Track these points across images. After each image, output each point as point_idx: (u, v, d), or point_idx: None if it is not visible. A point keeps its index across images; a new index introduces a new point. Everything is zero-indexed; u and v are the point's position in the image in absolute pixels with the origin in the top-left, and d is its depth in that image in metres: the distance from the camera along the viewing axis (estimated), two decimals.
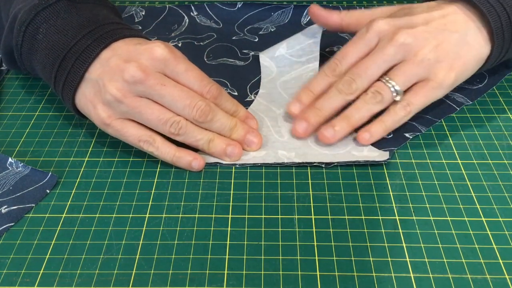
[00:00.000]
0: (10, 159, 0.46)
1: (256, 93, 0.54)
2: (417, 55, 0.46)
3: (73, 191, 0.44)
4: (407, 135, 0.48)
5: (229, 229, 0.40)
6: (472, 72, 0.49)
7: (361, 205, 0.42)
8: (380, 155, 0.46)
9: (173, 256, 0.38)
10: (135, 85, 0.43)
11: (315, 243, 0.39)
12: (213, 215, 0.41)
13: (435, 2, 0.51)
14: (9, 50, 0.50)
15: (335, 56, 0.49)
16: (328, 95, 0.48)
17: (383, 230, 0.40)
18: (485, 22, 0.48)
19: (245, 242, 0.39)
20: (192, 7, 0.66)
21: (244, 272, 0.37)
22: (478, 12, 0.48)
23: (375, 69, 0.46)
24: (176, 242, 0.39)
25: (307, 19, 0.65)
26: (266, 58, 0.58)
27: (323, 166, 0.45)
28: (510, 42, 0.49)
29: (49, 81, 0.48)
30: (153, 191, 0.44)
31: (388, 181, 0.44)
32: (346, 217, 0.41)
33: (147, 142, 0.44)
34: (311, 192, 0.43)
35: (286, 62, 0.57)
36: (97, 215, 0.42)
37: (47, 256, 0.39)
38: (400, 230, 0.40)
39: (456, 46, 0.47)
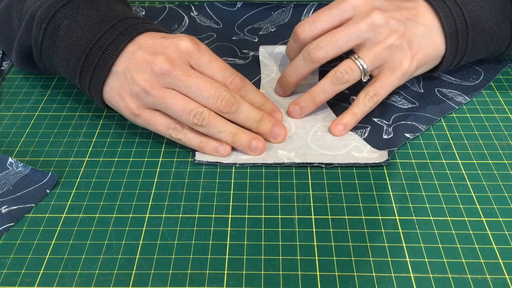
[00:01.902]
0: (10, 159, 0.46)
1: None
2: (386, 39, 0.47)
3: (73, 191, 0.44)
4: (407, 135, 0.48)
5: (229, 229, 0.40)
6: (430, 66, 0.51)
7: (361, 205, 0.42)
8: (379, 156, 0.46)
9: (173, 256, 0.38)
10: (163, 76, 0.44)
11: (315, 243, 0.39)
12: (213, 215, 0.41)
13: None
14: (25, 49, 0.51)
15: (307, 18, 0.50)
16: (295, 62, 0.50)
17: (383, 230, 0.40)
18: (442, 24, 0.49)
19: (245, 242, 0.39)
20: (192, 7, 0.66)
21: (244, 272, 0.37)
22: (438, 14, 0.49)
23: (345, 41, 0.48)
24: (176, 242, 0.39)
25: None
26: (265, 54, 0.58)
27: (323, 166, 0.46)
28: (466, 46, 0.50)
29: (73, 77, 0.48)
30: (153, 191, 0.44)
31: (388, 181, 0.44)
32: (346, 217, 0.41)
33: (175, 129, 0.46)
34: (311, 192, 0.43)
35: (286, 61, 0.57)
36: (97, 215, 0.42)
37: (47, 256, 0.39)
38: (400, 230, 0.40)
39: (420, 37, 0.49)
